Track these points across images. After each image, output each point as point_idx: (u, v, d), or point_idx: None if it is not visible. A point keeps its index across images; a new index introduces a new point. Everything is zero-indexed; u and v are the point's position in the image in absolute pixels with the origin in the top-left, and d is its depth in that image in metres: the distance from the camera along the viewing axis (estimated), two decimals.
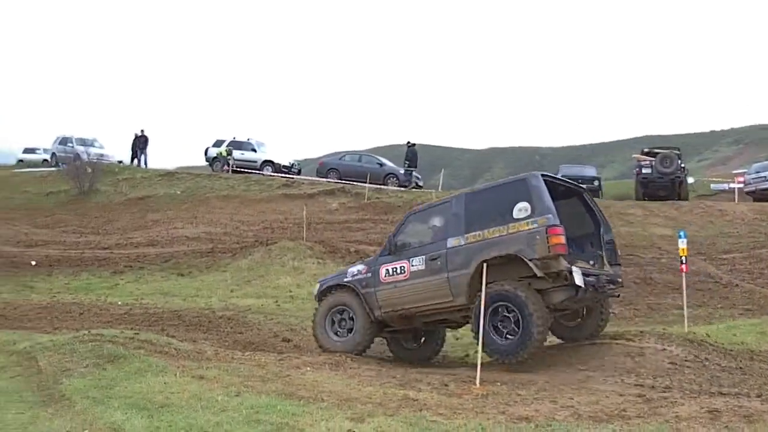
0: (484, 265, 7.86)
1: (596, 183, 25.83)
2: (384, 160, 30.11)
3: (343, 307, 9.61)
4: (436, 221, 9.29)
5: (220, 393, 6.36)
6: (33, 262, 19.16)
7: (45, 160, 37.28)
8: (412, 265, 8.94)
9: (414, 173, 28.63)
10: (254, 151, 31.45)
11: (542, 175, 8.46)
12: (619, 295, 9.73)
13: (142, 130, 33.36)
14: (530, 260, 7.88)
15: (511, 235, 8.09)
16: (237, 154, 31.00)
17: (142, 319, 13.33)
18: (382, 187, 27.15)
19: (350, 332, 9.48)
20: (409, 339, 10.23)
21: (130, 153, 33.67)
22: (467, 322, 8.73)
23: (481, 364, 7.61)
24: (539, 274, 7.88)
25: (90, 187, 27.90)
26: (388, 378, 7.74)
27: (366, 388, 7.00)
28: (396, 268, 9.10)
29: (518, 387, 7.14)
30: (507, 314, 8.00)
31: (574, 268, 7.88)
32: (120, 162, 34.51)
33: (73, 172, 28.50)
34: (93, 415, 5.85)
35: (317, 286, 10.35)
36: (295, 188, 26.84)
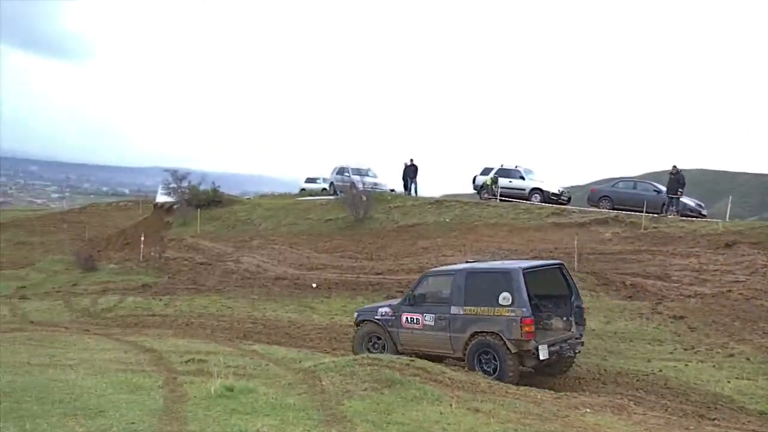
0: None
1: None
2: (661, 187, 28.25)
3: (377, 335, 12.57)
4: (445, 287, 11.88)
5: (497, 429, 6.27)
6: (314, 285, 20.77)
7: (324, 188, 40.34)
8: (425, 320, 11.77)
9: (684, 200, 26.43)
10: (522, 178, 31.26)
11: (523, 270, 10.88)
12: (579, 352, 11.74)
13: (411, 160, 34.84)
14: (508, 339, 10.60)
15: (495, 317, 10.81)
16: (505, 181, 31.03)
17: None
18: (660, 215, 25.45)
19: (383, 349, 12.29)
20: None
21: (402, 182, 35.22)
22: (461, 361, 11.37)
23: None
24: (513, 350, 10.59)
25: (365, 214, 29.61)
26: (680, 429, 7.12)
27: None
28: (414, 318, 11.91)
29: None
30: (488, 357, 10.87)
31: (540, 346, 10.59)
32: (392, 190, 36.13)
33: (349, 200, 30.46)
34: None
35: (355, 314, 13.27)
36: (565, 216, 26.18)
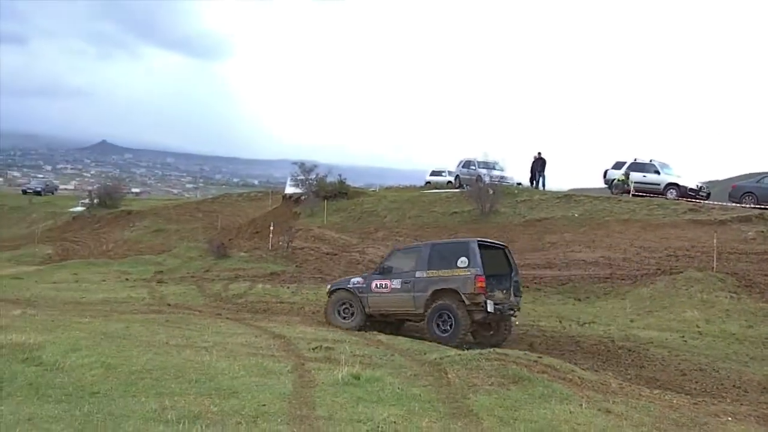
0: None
1: None
2: None
3: (348, 301, 14.63)
4: (411, 258, 14.21)
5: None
6: None
7: (449, 181, 40.29)
8: (393, 284, 14.02)
9: None
10: (657, 173, 29.96)
11: (477, 241, 13.59)
12: (516, 316, 13.95)
13: (539, 153, 34.22)
14: (463, 293, 12.89)
15: (454, 276, 13.15)
16: (638, 176, 29.87)
17: (540, 341, 13.53)
18: None
19: (352, 316, 14.53)
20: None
21: (529, 175, 34.68)
22: (422, 321, 13.68)
23: None
24: (467, 302, 12.84)
25: (491, 208, 29.36)
26: None
27: None
28: (383, 284, 14.15)
29: None
30: (447, 318, 13.00)
31: (488, 301, 12.83)
32: (519, 184, 35.63)
33: (475, 193, 30.29)
34: None
35: (328, 287, 15.88)
36: (704, 213, 24.87)
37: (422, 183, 43.12)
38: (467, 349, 11.06)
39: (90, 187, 61.34)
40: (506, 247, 14.63)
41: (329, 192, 35.60)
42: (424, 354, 10.52)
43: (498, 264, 14.04)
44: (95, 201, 47.47)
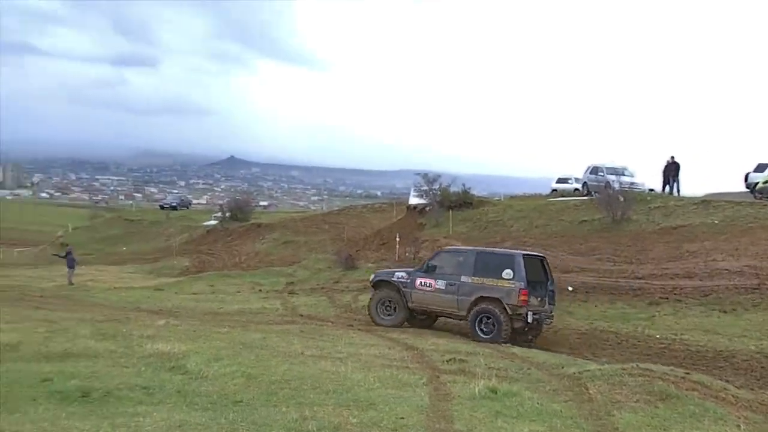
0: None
1: None
2: None
3: (389, 299, 15.98)
4: (456, 261, 15.42)
5: None
6: (570, 288, 20.25)
7: (576, 189, 39.23)
8: (437, 284, 15.31)
9: None
10: None
11: (523, 255, 14.73)
12: (551, 323, 15.31)
13: (672, 157, 32.74)
14: (507, 304, 14.10)
15: (498, 287, 14.34)
16: None
17: (684, 356, 12.91)
18: None
19: (395, 312, 15.94)
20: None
21: (662, 180, 33.27)
22: (461, 320, 15.18)
23: None
24: (510, 312, 14.04)
25: (622, 215, 28.32)
26: None
27: None
28: (427, 282, 15.43)
29: None
30: (488, 321, 14.24)
31: (529, 312, 14.03)
32: (651, 190, 34.25)
33: (605, 200, 29.33)
34: None
35: (372, 276, 17.22)
36: None
37: (547, 191, 42.27)
38: (605, 364, 10.69)
39: (221, 202, 64.09)
40: (544, 258, 16.03)
41: (453, 202, 35.47)
42: (562, 368, 10.26)
43: (536, 272, 15.16)
44: (227, 215, 49.50)
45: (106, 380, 8.40)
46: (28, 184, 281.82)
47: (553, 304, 15.33)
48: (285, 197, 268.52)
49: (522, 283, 14.13)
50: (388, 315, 15.98)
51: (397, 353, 11.25)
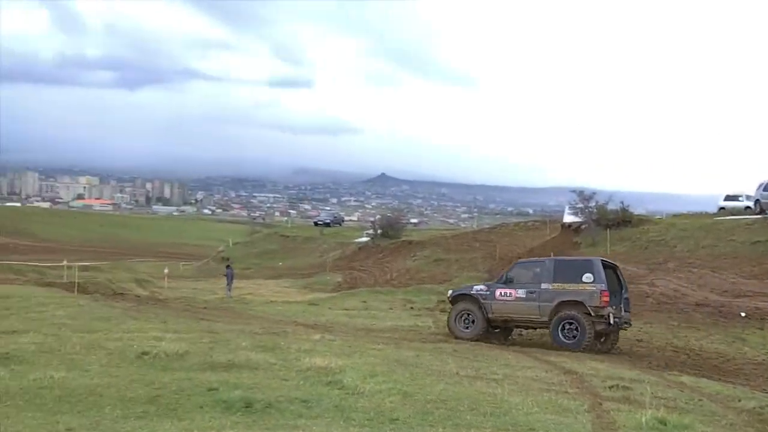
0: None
1: None
2: None
3: (468, 311, 16.45)
4: (535, 270, 16.17)
5: None
6: (743, 314, 18.95)
7: (748, 207, 36.76)
8: (518, 293, 15.86)
9: None
10: None
11: (600, 260, 15.82)
12: (628, 328, 16.29)
13: None
14: (589, 306, 14.80)
15: (580, 291, 15.06)
16: None
17: None
18: None
19: (473, 324, 16.33)
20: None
21: None
22: (540, 328, 16.27)
23: None
24: (592, 314, 14.75)
25: None
26: None
27: None
28: (507, 292, 16.00)
29: None
30: (571, 327, 14.94)
31: (611, 314, 14.80)
32: None
33: None
34: None
35: (449, 292, 18.12)
36: None
37: (713, 209, 39.98)
38: None
39: (372, 218, 65.39)
40: (617, 266, 16.70)
41: (611, 220, 34.33)
42: (738, 401, 9.53)
43: (610, 281, 15.67)
44: (378, 231, 50.41)
45: (267, 392, 8.66)
46: (193, 201, 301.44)
47: (629, 311, 16.09)
48: (435, 214, 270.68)
49: (602, 284, 14.96)
50: (466, 328, 16.59)
51: (555, 377, 10.89)
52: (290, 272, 45.55)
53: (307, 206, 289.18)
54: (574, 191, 37.74)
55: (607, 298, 14.81)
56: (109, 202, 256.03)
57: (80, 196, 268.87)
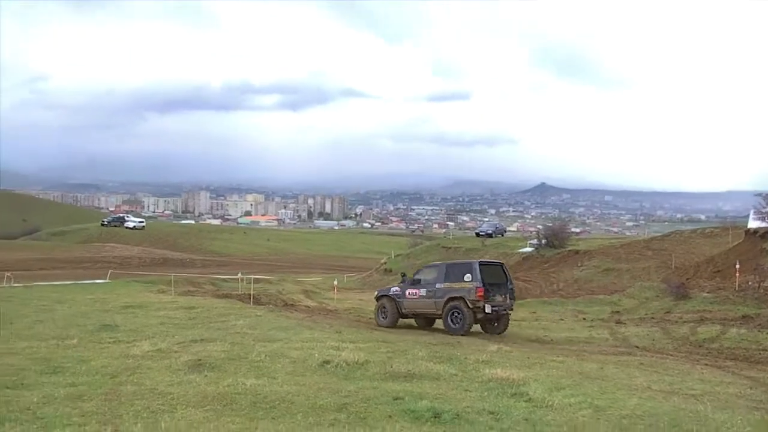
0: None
1: None
2: None
3: (385, 306, 20.75)
4: (433, 273, 20.09)
5: None
6: None
7: None
8: (421, 292, 19.83)
9: None
10: None
11: (479, 262, 19.56)
12: (510, 314, 19.70)
13: None
14: (468, 300, 18.40)
15: (461, 288, 18.68)
16: None
17: None
18: None
19: (389, 315, 20.58)
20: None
21: None
22: (437, 318, 19.84)
23: None
24: (471, 306, 18.34)
25: None
26: None
27: None
28: (414, 292, 19.99)
29: None
30: (456, 316, 18.65)
31: (486, 305, 18.31)
32: None
33: None
34: None
35: (376, 293, 22.53)
36: None
37: None
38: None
39: (532, 229, 63.99)
40: (503, 264, 20.97)
41: None
42: None
43: (498, 276, 19.56)
44: (543, 241, 49.25)
45: (453, 402, 8.57)
46: (353, 215, 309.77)
47: (513, 299, 19.83)
48: (598, 223, 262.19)
49: (478, 283, 18.43)
50: (384, 318, 20.66)
51: (762, 394, 10.03)
52: None
53: (465, 217, 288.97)
54: (759, 195, 35.05)
55: (481, 294, 18.28)
56: (274, 217, 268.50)
57: (247, 213, 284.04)
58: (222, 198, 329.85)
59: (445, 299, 18.85)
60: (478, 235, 65.94)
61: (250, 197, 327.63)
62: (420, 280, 20.15)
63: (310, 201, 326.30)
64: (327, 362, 11.39)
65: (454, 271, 19.22)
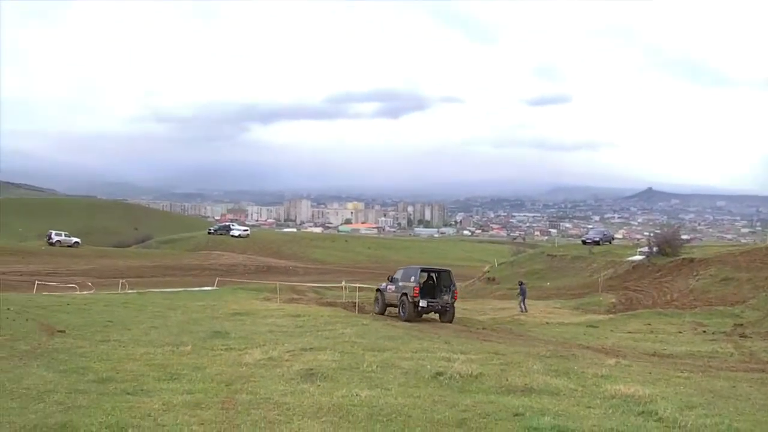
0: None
1: None
2: None
3: (378, 297, 26.75)
4: (400, 274, 25.87)
5: None
6: None
7: None
8: (392, 289, 25.49)
9: None
10: None
11: (421, 269, 26.01)
12: (447, 309, 24.23)
13: None
14: (409, 296, 23.95)
15: (406, 287, 24.38)
16: None
17: None
18: None
19: (380, 305, 26.35)
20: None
21: None
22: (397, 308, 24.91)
23: None
24: (411, 301, 23.82)
25: None
26: None
27: None
28: (391, 287, 25.64)
29: None
30: (402, 308, 24.36)
31: (421, 301, 23.82)
32: None
33: None
34: None
35: (376, 288, 28.22)
36: None
37: None
38: None
39: (639, 236, 61.63)
40: (449, 270, 26.38)
41: None
42: None
43: (445, 279, 25.23)
44: (654, 249, 47.34)
45: (576, 420, 8.18)
46: (452, 223, 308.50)
47: (454, 299, 24.61)
48: (710, 230, 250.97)
49: (416, 284, 23.98)
50: (377, 307, 26.27)
51: None
52: (559, 292, 44.27)
53: (567, 224, 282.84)
54: None
55: (417, 292, 23.71)
56: (374, 225, 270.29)
57: (348, 221, 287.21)
58: (323, 206, 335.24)
59: (399, 294, 24.56)
60: (584, 242, 64.24)
61: (350, 205, 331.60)
62: (396, 279, 25.63)
63: (410, 208, 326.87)
64: (440, 374, 11.17)
65: (407, 274, 25.23)
